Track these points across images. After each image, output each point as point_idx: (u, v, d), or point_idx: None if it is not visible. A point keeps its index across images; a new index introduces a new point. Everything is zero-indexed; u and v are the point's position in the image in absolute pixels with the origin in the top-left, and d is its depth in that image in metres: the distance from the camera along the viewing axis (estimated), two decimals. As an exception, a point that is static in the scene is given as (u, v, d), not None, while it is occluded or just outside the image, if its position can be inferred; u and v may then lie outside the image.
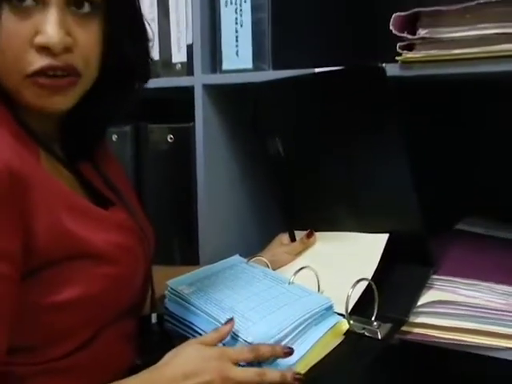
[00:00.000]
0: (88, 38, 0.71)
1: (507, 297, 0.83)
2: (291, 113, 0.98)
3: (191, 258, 1.07)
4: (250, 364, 0.76)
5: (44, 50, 0.67)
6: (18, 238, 0.65)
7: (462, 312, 0.83)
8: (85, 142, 0.82)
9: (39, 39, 0.67)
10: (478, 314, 0.83)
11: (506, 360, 0.81)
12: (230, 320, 0.78)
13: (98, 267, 0.72)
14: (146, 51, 0.81)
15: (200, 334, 0.83)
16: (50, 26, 0.67)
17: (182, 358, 0.73)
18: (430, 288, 0.89)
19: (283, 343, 0.78)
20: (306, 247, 1.03)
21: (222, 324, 0.80)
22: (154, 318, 0.87)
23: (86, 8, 0.70)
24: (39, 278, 0.68)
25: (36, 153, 0.72)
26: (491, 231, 1.04)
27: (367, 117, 0.87)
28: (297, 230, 1.06)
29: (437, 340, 0.84)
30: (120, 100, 0.81)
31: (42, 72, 0.68)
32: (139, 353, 0.84)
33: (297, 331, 0.80)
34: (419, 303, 0.86)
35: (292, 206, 1.06)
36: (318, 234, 1.03)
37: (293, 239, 1.06)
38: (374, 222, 0.95)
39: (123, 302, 0.78)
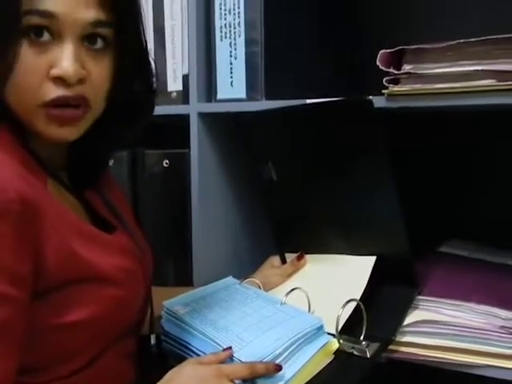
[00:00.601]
0: (100, 72, 0.75)
1: (487, 316, 0.87)
2: (284, 140, 1.02)
3: (185, 279, 1.10)
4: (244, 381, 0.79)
5: (59, 81, 0.71)
6: (29, 262, 0.68)
7: (445, 331, 0.87)
8: (90, 170, 0.85)
9: (55, 71, 0.71)
10: (460, 332, 0.87)
11: (486, 377, 0.85)
12: (229, 348, 0.81)
13: (103, 289, 0.75)
14: (150, 86, 0.86)
15: (195, 353, 0.86)
16: (66, 59, 0.71)
17: (181, 377, 0.76)
18: (415, 308, 0.93)
19: (279, 361, 0.81)
20: (296, 269, 1.06)
21: (217, 343, 0.83)
22: (152, 338, 0.91)
23: (99, 44, 0.74)
24: (48, 299, 0.71)
25: (43, 180, 0.75)
26: (472, 254, 1.09)
27: (356, 145, 0.92)
28: (288, 252, 1.09)
29: (422, 358, 0.88)
30: (124, 132, 0.85)
31: (55, 102, 0.72)
32: (138, 372, 0.88)
33: (289, 350, 0.83)
34: (405, 323, 0.90)
35: (283, 229, 1.10)
36: (308, 257, 1.07)
37: (283, 261, 1.09)
38: (362, 245, 0.99)
39: (126, 322, 0.81)
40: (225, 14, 1.03)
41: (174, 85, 1.15)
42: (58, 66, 0.71)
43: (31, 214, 0.68)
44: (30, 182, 0.70)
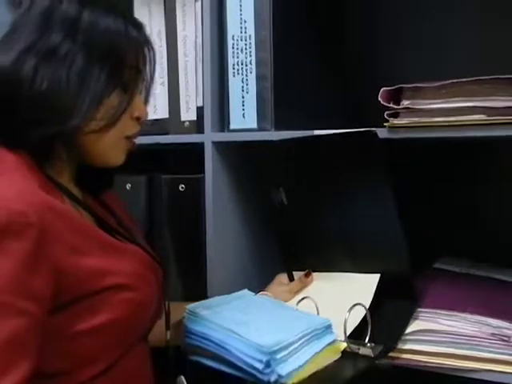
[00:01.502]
0: None
1: (480, 325, 0.97)
2: (293, 167, 1.12)
3: (200, 296, 1.19)
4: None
5: (138, 120, 0.91)
6: (47, 279, 0.74)
7: (443, 339, 0.97)
8: (97, 186, 0.96)
9: (138, 113, 0.90)
10: (455, 340, 0.96)
11: (480, 380, 0.94)
12: None
13: (120, 295, 0.82)
14: None
15: (217, 344, 0.94)
16: (143, 106, 0.92)
17: None
18: (415, 319, 1.02)
19: (291, 349, 0.90)
20: (303, 286, 1.14)
21: (237, 334, 0.91)
22: (168, 334, 0.99)
23: None
24: (72, 310, 0.78)
25: (60, 197, 0.83)
26: (464, 269, 1.18)
27: (361, 172, 1.02)
28: (295, 270, 1.17)
29: (422, 364, 0.97)
30: None
31: (135, 136, 0.92)
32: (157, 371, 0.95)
33: (300, 342, 0.92)
34: (406, 332, 0.99)
35: (291, 248, 1.19)
36: (315, 275, 1.15)
37: (291, 279, 1.17)
38: (366, 263, 1.08)
39: (142, 325, 0.88)
40: (237, 53, 1.13)
41: (186, 115, 1.24)
42: (141, 111, 0.91)
43: (50, 235, 0.75)
44: (49, 203, 0.77)
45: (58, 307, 0.76)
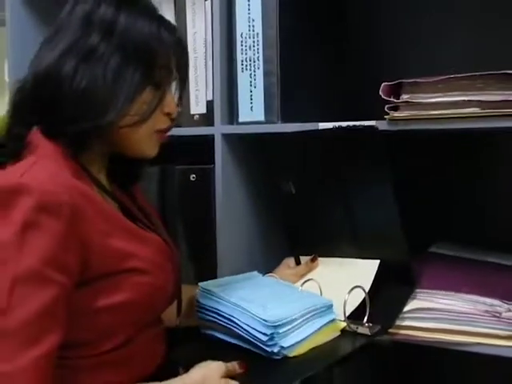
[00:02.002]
0: None
1: (474, 303, 1.04)
2: (300, 158, 1.19)
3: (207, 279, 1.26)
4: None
5: (169, 115, 0.97)
6: (76, 255, 0.81)
7: (439, 316, 1.04)
8: (127, 176, 1.03)
9: (169, 110, 0.96)
10: (452, 317, 1.04)
11: (475, 353, 1.02)
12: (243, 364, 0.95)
13: (140, 278, 0.89)
14: None
15: (226, 318, 1.02)
16: (173, 102, 0.98)
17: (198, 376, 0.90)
18: (414, 299, 1.09)
19: (293, 325, 0.98)
20: (309, 270, 1.21)
21: (245, 309, 0.99)
22: (178, 320, 1.06)
23: None
24: (95, 286, 0.85)
25: (89, 184, 0.91)
26: (457, 253, 1.26)
27: (362, 163, 1.09)
28: (302, 255, 1.24)
29: (420, 339, 1.05)
30: None
31: (166, 130, 0.98)
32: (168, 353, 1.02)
33: (303, 318, 1.01)
34: (405, 310, 1.07)
35: (298, 234, 1.26)
36: (320, 259, 1.22)
37: (298, 263, 1.24)
38: (368, 250, 1.15)
39: (158, 307, 0.96)
40: (246, 50, 1.19)
41: (196, 108, 1.31)
42: (171, 107, 0.97)
43: (80, 215, 0.82)
44: (79, 188, 0.85)
45: (83, 283, 0.84)
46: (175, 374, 0.91)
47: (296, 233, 1.27)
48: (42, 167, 0.83)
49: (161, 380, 0.89)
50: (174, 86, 1.00)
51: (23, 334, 0.75)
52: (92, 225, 0.84)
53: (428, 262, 1.21)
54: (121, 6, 0.90)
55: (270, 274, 1.21)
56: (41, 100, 0.87)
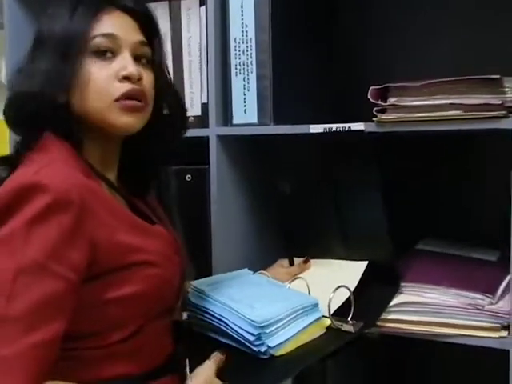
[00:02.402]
0: (147, 78, 0.97)
1: (458, 297, 1.09)
2: (294, 160, 1.24)
3: (206, 277, 1.30)
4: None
5: (126, 80, 0.93)
6: (84, 250, 0.85)
7: (425, 309, 1.10)
8: (141, 180, 1.06)
9: (123, 73, 0.93)
10: (436, 310, 1.09)
11: (459, 344, 1.08)
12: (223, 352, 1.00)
13: (148, 270, 0.93)
14: (181, 104, 1.08)
15: (215, 317, 1.06)
16: (130, 65, 0.94)
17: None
18: (401, 293, 1.15)
19: (280, 324, 1.02)
20: (301, 271, 1.26)
21: (234, 310, 1.03)
22: (184, 314, 1.11)
23: (143, 61, 0.98)
24: (104, 280, 0.88)
25: (98, 181, 0.95)
26: (444, 249, 1.30)
27: (351, 167, 1.14)
28: (295, 256, 1.29)
29: (406, 331, 1.10)
30: (165, 143, 1.06)
31: (126, 95, 0.93)
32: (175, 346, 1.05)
33: (289, 317, 1.04)
34: (392, 303, 1.12)
35: (292, 236, 1.31)
36: (312, 261, 1.27)
37: (291, 264, 1.29)
38: (357, 252, 1.21)
39: (165, 299, 0.99)
40: (239, 55, 1.24)
41: (191, 110, 1.34)
42: (125, 69, 0.93)
43: (89, 212, 0.86)
44: (89, 186, 0.89)
45: (92, 277, 0.87)
46: (182, 367, 0.96)
47: (290, 233, 1.31)
48: (55, 167, 0.87)
49: (170, 371, 0.94)
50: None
51: (23, 321, 0.79)
52: (100, 221, 0.88)
53: (415, 258, 1.26)
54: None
55: (261, 271, 1.25)
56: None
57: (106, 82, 0.93)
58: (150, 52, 0.99)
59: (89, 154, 0.96)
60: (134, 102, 0.94)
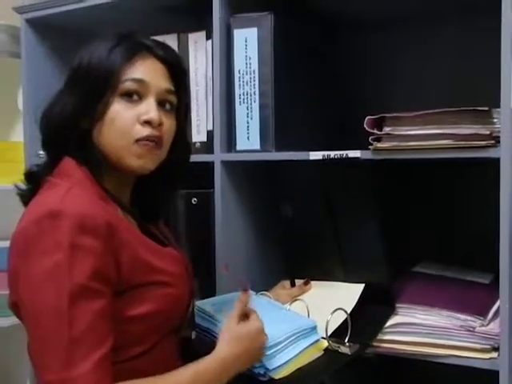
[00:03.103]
0: (169, 124, 1.04)
1: (450, 318, 1.14)
2: (295, 184, 1.29)
3: (210, 296, 1.35)
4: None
5: (147, 124, 1.00)
6: (114, 268, 0.92)
7: (418, 330, 1.14)
8: (152, 210, 1.13)
9: (145, 117, 0.99)
10: (429, 331, 1.14)
11: (451, 364, 1.11)
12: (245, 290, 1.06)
13: (163, 289, 0.99)
14: (190, 148, 1.16)
15: (216, 338, 1.08)
16: (152, 110, 1.00)
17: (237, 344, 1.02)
18: (396, 314, 1.19)
19: (279, 347, 1.07)
20: (302, 292, 1.32)
21: None
22: (193, 334, 1.15)
23: (167, 107, 1.04)
24: (123, 298, 0.95)
25: (114, 206, 1.01)
26: (439, 272, 1.35)
27: (349, 193, 1.19)
28: (297, 278, 1.35)
29: (400, 352, 1.15)
30: (172, 180, 1.13)
31: (146, 138, 1.00)
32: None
33: (288, 340, 1.10)
34: (388, 324, 1.17)
35: (294, 258, 1.36)
36: (312, 283, 1.33)
37: (293, 285, 1.34)
38: (355, 274, 1.27)
39: (178, 315, 1.05)
40: (243, 85, 1.31)
41: (197, 136, 1.41)
42: (147, 114, 1.00)
43: (112, 233, 0.93)
44: (108, 211, 0.96)
45: (116, 293, 0.94)
46: None
47: (292, 255, 1.37)
48: (77, 193, 0.94)
49: None
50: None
51: (86, 341, 0.87)
52: (122, 242, 0.95)
53: (411, 280, 1.31)
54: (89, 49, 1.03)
55: (262, 292, 1.30)
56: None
57: (129, 122, 1.00)
58: (175, 100, 1.06)
59: (105, 180, 1.03)
60: (151, 146, 1.01)
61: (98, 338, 0.88)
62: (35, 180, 1.02)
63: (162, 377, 0.95)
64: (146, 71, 1.02)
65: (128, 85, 1.00)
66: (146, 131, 1.00)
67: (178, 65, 1.07)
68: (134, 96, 1.00)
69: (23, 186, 1.04)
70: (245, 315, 1.05)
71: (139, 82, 1.00)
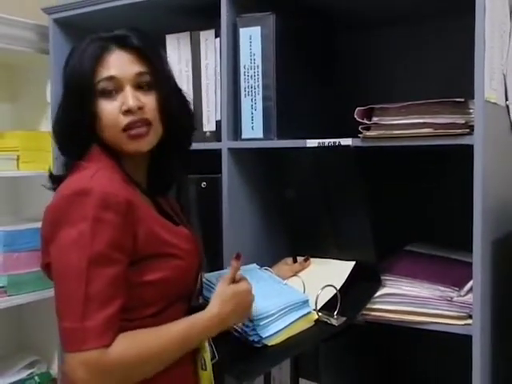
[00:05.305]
0: (150, 102, 1.14)
1: (431, 289, 1.25)
2: (295, 170, 1.43)
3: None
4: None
5: (128, 112, 1.12)
6: (132, 240, 1.06)
7: (403, 300, 1.26)
8: (163, 184, 1.26)
9: (123, 107, 1.12)
10: (412, 301, 1.26)
11: (432, 330, 1.24)
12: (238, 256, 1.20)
13: (172, 261, 1.12)
14: (190, 121, 1.26)
15: None
16: (128, 99, 1.12)
17: (226, 302, 1.14)
18: (384, 286, 1.32)
19: (272, 318, 1.20)
20: (302, 268, 1.45)
21: None
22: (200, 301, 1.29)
23: (145, 88, 1.14)
24: (138, 266, 1.08)
25: (134, 189, 1.15)
26: (428, 251, 1.46)
27: (341, 179, 1.32)
28: (298, 255, 1.48)
29: (387, 319, 1.27)
30: (179, 156, 1.25)
31: (128, 126, 1.11)
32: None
33: (280, 312, 1.23)
34: (376, 295, 1.29)
35: (295, 237, 1.49)
36: (311, 259, 1.46)
37: (295, 262, 1.47)
38: (347, 253, 1.39)
39: (185, 286, 1.18)
40: (248, 79, 1.43)
41: (208, 126, 1.55)
42: (125, 104, 1.12)
43: (131, 209, 1.07)
44: (128, 190, 1.10)
45: (133, 262, 1.07)
46: None
47: (294, 234, 1.51)
48: (103, 174, 1.08)
49: None
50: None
51: (99, 300, 1.00)
52: (140, 218, 1.08)
53: (401, 257, 1.42)
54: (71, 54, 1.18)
55: (266, 267, 1.43)
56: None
57: (114, 116, 1.12)
58: (149, 78, 1.15)
59: (125, 165, 1.17)
60: (138, 131, 1.12)
61: (110, 298, 1.02)
62: (65, 167, 1.17)
63: (158, 328, 1.08)
64: (115, 65, 1.13)
65: (102, 85, 1.12)
66: (128, 119, 1.11)
67: (144, 47, 1.15)
68: (111, 92, 1.12)
69: (55, 172, 1.20)
70: (236, 279, 1.18)
71: (111, 79, 1.12)
